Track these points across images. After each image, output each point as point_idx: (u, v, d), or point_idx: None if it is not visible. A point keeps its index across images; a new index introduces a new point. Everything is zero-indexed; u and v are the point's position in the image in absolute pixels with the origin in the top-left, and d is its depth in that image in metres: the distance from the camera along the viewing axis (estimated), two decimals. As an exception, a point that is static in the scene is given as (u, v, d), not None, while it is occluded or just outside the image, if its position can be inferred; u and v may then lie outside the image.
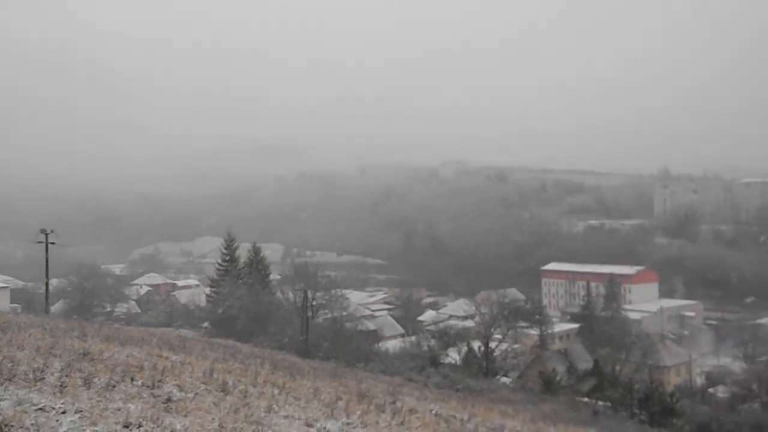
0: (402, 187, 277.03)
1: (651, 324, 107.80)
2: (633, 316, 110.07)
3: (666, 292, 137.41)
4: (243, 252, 72.91)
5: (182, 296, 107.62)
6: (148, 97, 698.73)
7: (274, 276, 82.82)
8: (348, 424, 11.62)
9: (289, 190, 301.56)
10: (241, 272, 68.83)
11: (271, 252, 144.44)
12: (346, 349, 45.79)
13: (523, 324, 75.90)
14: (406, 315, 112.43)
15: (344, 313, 66.08)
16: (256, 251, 71.97)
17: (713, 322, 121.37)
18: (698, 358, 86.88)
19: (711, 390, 67.25)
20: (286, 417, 11.17)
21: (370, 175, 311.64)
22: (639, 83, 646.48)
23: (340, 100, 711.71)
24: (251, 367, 17.63)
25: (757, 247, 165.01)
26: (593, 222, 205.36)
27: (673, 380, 71.28)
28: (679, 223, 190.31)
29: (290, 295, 64.32)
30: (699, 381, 76.88)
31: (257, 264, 70.83)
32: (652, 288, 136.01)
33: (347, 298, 73.39)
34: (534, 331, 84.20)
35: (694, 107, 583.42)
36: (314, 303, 59.68)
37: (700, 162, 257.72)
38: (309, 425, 10.81)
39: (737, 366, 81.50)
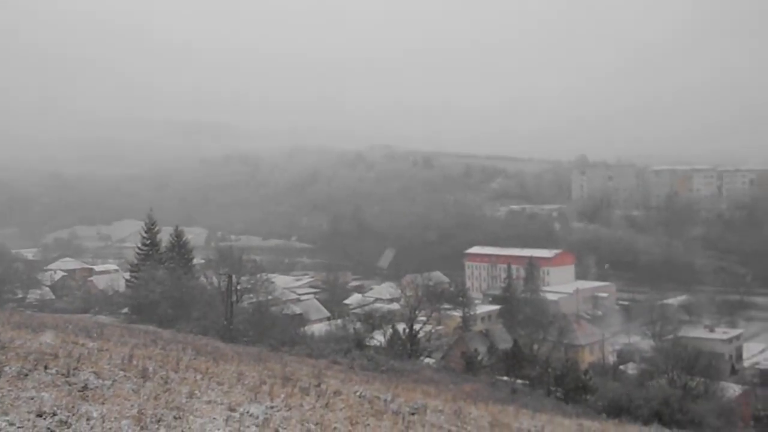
0: (329, 171, 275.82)
1: (567, 305, 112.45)
2: (551, 297, 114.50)
3: (582, 274, 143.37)
4: (165, 236, 70.92)
5: (100, 282, 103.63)
6: (62, 69, 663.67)
7: (198, 260, 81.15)
8: (272, 407, 11.66)
9: (213, 173, 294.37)
10: (162, 257, 67.01)
11: (194, 236, 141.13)
12: (271, 333, 45.55)
13: (446, 306, 77.70)
14: (332, 298, 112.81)
15: (270, 298, 65.47)
16: (178, 235, 70.20)
17: (625, 303, 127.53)
18: (610, 336, 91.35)
19: (622, 367, 70.86)
20: (208, 402, 11.11)
21: (297, 159, 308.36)
22: (558, 68, 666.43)
23: (270, 86, 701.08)
24: (173, 352, 17.35)
25: (665, 231, 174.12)
26: (515, 207, 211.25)
27: (587, 358, 74.74)
28: (594, 208, 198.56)
29: (214, 279, 63.19)
30: (611, 359, 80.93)
31: (179, 248, 69.13)
32: (569, 270, 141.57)
33: (273, 282, 72.68)
34: (457, 313, 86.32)
35: (610, 95, 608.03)
36: (239, 287, 58.96)
37: (615, 150, 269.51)
38: (232, 410, 10.79)
39: (646, 344, 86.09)
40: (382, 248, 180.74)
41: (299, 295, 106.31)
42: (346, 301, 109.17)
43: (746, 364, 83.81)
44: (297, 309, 78.34)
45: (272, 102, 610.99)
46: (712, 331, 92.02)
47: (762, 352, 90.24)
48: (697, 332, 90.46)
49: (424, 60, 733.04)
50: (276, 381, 15.35)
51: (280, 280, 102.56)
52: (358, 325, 59.54)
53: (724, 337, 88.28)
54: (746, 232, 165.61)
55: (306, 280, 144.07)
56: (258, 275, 67.50)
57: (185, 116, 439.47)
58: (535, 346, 63.00)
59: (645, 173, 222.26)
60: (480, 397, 23.37)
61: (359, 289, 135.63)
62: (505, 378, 42.17)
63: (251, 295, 62.02)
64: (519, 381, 41.48)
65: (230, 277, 52.23)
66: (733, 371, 75.93)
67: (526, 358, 52.71)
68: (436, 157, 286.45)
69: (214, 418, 10.02)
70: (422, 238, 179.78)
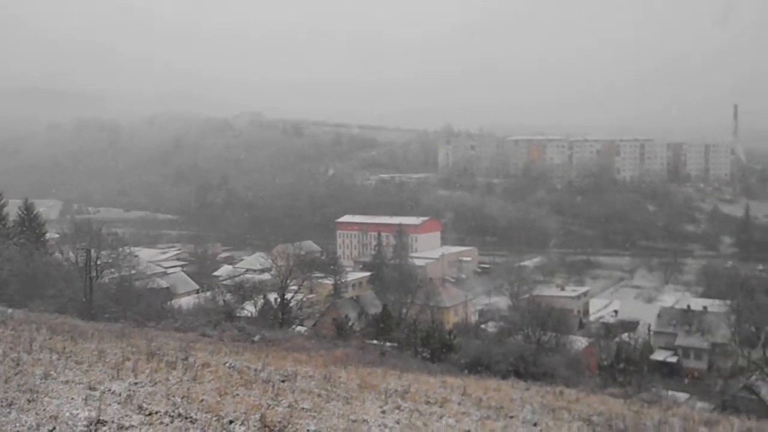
0: (194, 139, 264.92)
1: (434, 269, 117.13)
2: (418, 263, 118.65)
3: (447, 240, 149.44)
4: (12, 209, 65.33)
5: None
6: None
7: (52, 235, 75.64)
8: (135, 383, 11.42)
9: (65, 140, 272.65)
10: (10, 232, 61.75)
11: (47, 209, 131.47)
12: (135, 308, 43.76)
13: (318, 274, 78.37)
14: (201, 271, 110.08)
15: (133, 272, 62.68)
16: (28, 208, 64.78)
17: (486, 266, 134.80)
18: (473, 298, 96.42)
19: (483, 326, 75.21)
20: (66, 382, 10.68)
21: (159, 126, 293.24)
22: (427, 45, 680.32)
23: (131, 47, 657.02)
24: (25, 333, 16.34)
25: (523, 198, 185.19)
26: (384, 176, 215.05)
27: (451, 319, 78.56)
28: (459, 176, 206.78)
29: (71, 255, 59.34)
30: (473, 318, 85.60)
31: (30, 222, 63.97)
32: (435, 237, 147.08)
33: (136, 256, 69.60)
34: (329, 281, 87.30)
35: (472, 66, 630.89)
36: (99, 262, 55.80)
37: (477, 120, 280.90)
38: (92, 388, 10.45)
39: (505, 303, 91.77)
40: (253, 218, 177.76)
41: (165, 268, 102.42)
42: (216, 273, 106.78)
43: (592, 318, 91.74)
44: (163, 283, 75.70)
45: (133, 68, 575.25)
46: (562, 289, 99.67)
47: (606, 307, 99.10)
48: (550, 291, 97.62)
49: (294, 36, 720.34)
50: (140, 357, 14.96)
51: (145, 254, 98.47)
52: (228, 296, 58.70)
53: (573, 294, 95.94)
54: (593, 198, 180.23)
55: (172, 252, 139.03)
56: (120, 249, 64.21)
57: (29, 81, 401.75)
58: (404, 310, 65.43)
59: (504, 143, 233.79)
60: (350, 361, 24.02)
61: (229, 261, 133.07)
62: (375, 342, 43.42)
63: (113, 270, 58.98)
64: (388, 344, 42.87)
65: (88, 251, 49.29)
66: (581, 325, 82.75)
67: (395, 321, 54.60)
68: (306, 126, 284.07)
69: (72, 399, 9.67)
70: (293, 207, 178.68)
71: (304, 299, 61.24)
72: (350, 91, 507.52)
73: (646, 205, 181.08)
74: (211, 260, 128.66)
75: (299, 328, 54.14)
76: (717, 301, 72.59)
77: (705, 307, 73.80)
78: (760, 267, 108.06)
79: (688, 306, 77.81)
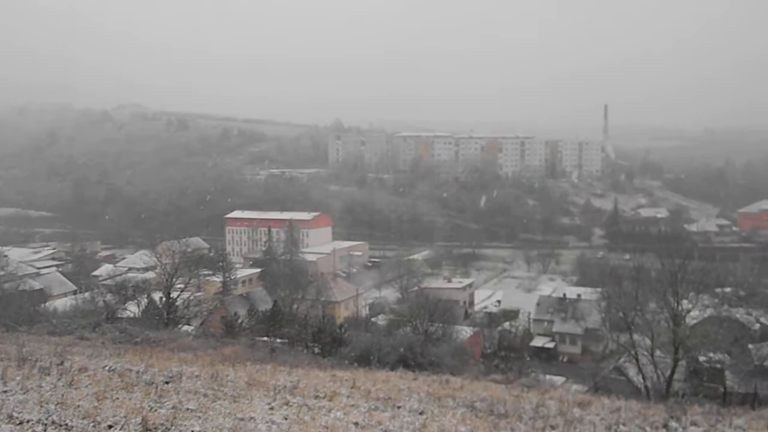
0: (70, 131, 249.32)
1: (325, 264, 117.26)
2: (309, 258, 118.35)
3: (339, 235, 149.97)
4: None
5: None
6: None
7: None
8: (5, 392, 10.78)
9: None
10: None
11: None
12: (5, 312, 40.78)
13: (206, 272, 76.31)
14: (79, 270, 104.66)
15: (1, 273, 58.38)
16: None
17: (377, 260, 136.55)
18: (364, 292, 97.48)
19: (374, 319, 76.09)
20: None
21: (31, 116, 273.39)
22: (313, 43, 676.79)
23: None
24: None
25: (412, 193, 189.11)
26: (274, 171, 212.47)
27: (343, 313, 79.05)
28: (350, 172, 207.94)
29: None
30: (364, 312, 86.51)
31: None
32: (327, 232, 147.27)
33: (5, 256, 64.89)
34: (217, 278, 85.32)
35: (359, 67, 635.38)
36: (-40, 264, 51.52)
37: (368, 115, 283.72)
38: (-47, 400, 9.77)
39: (394, 296, 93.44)
40: (135, 215, 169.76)
41: (39, 268, 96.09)
42: (95, 273, 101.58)
43: (477, 308, 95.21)
44: (36, 284, 71.17)
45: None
46: (449, 281, 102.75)
47: (490, 297, 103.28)
48: (438, 283, 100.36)
49: (176, 26, 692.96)
50: (10, 363, 14.08)
51: (15, 253, 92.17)
52: (109, 297, 56.03)
53: (459, 286, 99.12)
54: (477, 193, 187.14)
55: (47, 252, 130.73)
56: (-15, 249, 59.61)
57: None
58: (295, 306, 65.04)
59: (394, 139, 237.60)
60: (239, 359, 23.68)
61: (110, 260, 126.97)
62: (265, 338, 42.94)
63: (-23, 272, 54.65)
64: (278, 340, 42.52)
65: (-52, 252, 45.37)
66: (467, 316, 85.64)
67: (286, 317, 54.19)
68: (191, 119, 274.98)
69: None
70: (179, 203, 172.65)
71: (191, 298, 59.30)
72: (239, 84, 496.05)
73: (526, 200, 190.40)
74: (89, 259, 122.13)
75: (186, 327, 52.47)
76: (589, 289, 77.63)
77: (579, 295, 78.81)
78: (627, 257, 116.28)
79: (564, 294, 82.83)
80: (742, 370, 43.03)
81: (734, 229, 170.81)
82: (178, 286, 58.10)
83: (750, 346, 45.29)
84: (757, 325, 46.07)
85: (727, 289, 69.16)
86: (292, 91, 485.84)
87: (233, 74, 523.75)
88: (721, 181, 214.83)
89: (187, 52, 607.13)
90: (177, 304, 56.01)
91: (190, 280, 60.50)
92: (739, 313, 50.37)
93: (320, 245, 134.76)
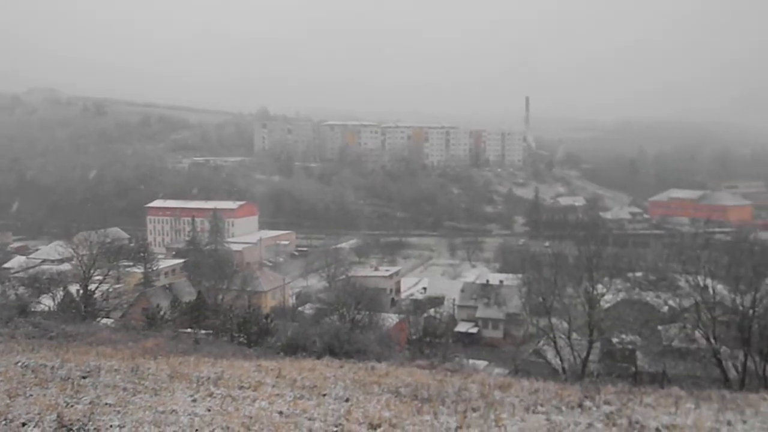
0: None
1: (251, 254, 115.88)
2: (235, 247, 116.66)
3: (265, 224, 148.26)
4: None
5: None
6: None
7: None
8: None
9: None
10: None
11: None
12: None
13: (126, 263, 73.94)
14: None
15: None
16: None
17: (304, 249, 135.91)
18: (291, 281, 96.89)
19: (301, 308, 75.91)
20: None
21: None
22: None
23: None
24: None
25: (339, 182, 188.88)
26: (198, 159, 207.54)
27: (269, 303, 78.41)
28: (276, 160, 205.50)
29: None
30: (291, 301, 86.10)
31: None
32: (253, 221, 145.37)
33: None
34: (138, 269, 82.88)
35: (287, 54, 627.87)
36: None
37: (294, 104, 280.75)
38: None
39: (322, 285, 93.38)
40: (50, 204, 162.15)
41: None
42: (6, 265, 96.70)
43: (404, 296, 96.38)
44: (-63, 279, 66.82)
45: None
46: (376, 269, 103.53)
47: (416, 284, 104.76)
48: (365, 271, 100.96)
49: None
50: None
51: None
52: (21, 290, 53.52)
53: (386, 274, 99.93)
54: (404, 182, 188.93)
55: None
56: None
57: None
58: (220, 296, 64.04)
59: (320, 127, 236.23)
60: (161, 351, 23.15)
61: (23, 251, 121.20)
62: (189, 330, 42.12)
63: None
64: (203, 332, 41.78)
65: None
66: (393, 303, 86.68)
67: (210, 308, 53.33)
68: (110, 105, 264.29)
69: None
70: (97, 192, 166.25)
71: (111, 290, 57.52)
72: (161, 69, 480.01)
73: (451, 189, 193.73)
74: (0, 251, 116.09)
75: (105, 320, 50.84)
76: (511, 275, 79.77)
77: (501, 281, 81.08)
78: (547, 244, 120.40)
79: (487, 281, 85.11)
80: (652, 350, 45.47)
81: (645, 216, 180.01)
82: (97, 277, 56.26)
83: (659, 327, 47.83)
84: (666, 308, 48.68)
85: (639, 274, 72.61)
86: (215, 76, 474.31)
87: (153, 56, 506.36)
88: (633, 171, 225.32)
89: (107, 26, 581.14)
90: (95, 296, 54.20)
91: (109, 271, 58.70)
92: (649, 297, 52.97)
93: (246, 235, 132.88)
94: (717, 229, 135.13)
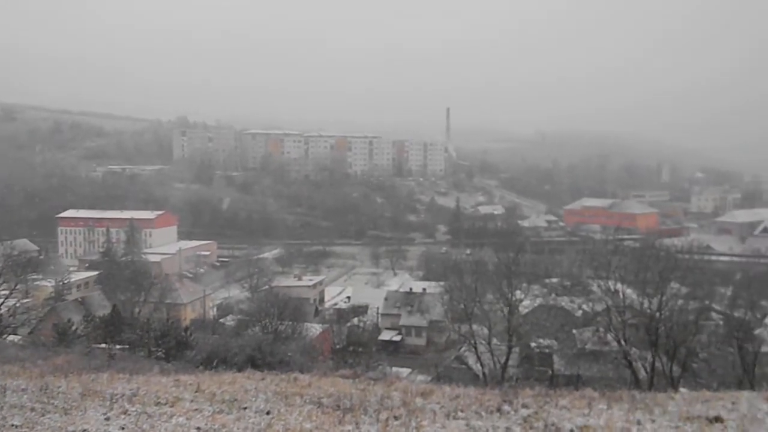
0: None
1: (170, 265, 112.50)
2: (153, 258, 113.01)
3: (185, 234, 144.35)
4: None
5: None
6: None
7: None
8: None
9: None
10: None
11: None
12: None
13: (35, 276, 70.41)
14: None
15: None
16: None
17: (225, 259, 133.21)
18: (212, 292, 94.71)
19: (222, 320, 74.25)
20: None
21: None
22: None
23: None
24: None
25: (262, 191, 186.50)
26: (114, 167, 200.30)
27: (189, 315, 76.39)
28: (196, 169, 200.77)
29: None
30: (212, 313, 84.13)
31: None
32: (172, 231, 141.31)
33: None
34: (49, 283, 79.13)
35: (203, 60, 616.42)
36: None
37: (214, 112, 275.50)
38: None
39: (244, 296, 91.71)
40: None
41: None
42: None
43: (327, 305, 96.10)
44: None
45: None
46: (300, 279, 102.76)
47: (340, 294, 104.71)
48: (288, 281, 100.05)
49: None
50: None
51: None
52: None
53: (310, 283, 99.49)
54: (327, 191, 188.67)
55: None
56: None
57: None
58: (136, 309, 61.89)
59: (242, 136, 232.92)
60: (72, 368, 22.16)
61: None
62: (103, 345, 40.49)
63: None
64: (118, 346, 40.26)
65: None
66: (317, 313, 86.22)
67: (126, 322, 51.47)
68: (19, 110, 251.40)
69: None
70: (4, 201, 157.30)
71: (18, 305, 54.58)
72: (76, 74, 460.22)
73: (375, 198, 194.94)
74: None
75: (12, 337, 48.20)
76: (434, 283, 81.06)
77: (424, 289, 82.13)
78: (468, 251, 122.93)
79: (411, 289, 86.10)
80: (567, 353, 47.18)
81: (561, 224, 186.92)
82: (3, 292, 53.31)
83: (574, 331, 49.68)
84: (580, 312, 50.56)
85: (554, 280, 75.12)
86: (132, 83, 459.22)
87: (65, 59, 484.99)
88: (549, 181, 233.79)
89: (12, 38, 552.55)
90: (1, 312, 51.34)
91: (16, 285, 55.82)
92: (565, 302, 54.91)
93: (165, 245, 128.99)
94: (626, 236, 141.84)
